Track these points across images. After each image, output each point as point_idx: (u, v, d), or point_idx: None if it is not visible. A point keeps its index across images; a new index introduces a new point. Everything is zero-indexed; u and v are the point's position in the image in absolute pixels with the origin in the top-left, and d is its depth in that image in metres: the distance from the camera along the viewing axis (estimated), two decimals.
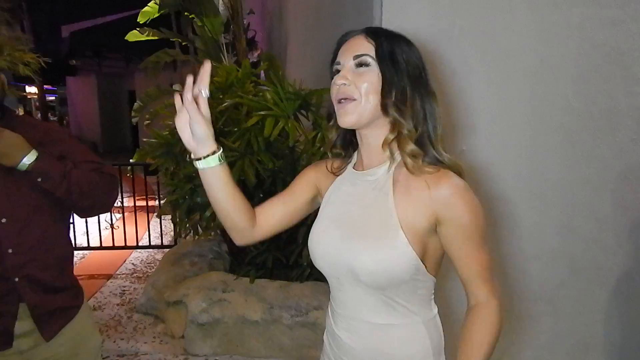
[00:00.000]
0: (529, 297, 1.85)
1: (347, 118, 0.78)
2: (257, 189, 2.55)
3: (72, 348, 1.24)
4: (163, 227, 4.39)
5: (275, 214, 0.91)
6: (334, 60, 0.83)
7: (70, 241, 1.32)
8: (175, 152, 2.82)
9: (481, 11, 1.70)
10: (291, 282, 2.22)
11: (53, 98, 21.36)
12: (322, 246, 0.84)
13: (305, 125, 2.46)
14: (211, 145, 0.77)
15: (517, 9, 1.69)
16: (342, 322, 0.85)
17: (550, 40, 1.70)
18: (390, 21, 1.66)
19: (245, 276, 2.35)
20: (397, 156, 0.80)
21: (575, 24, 1.69)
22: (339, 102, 0.78)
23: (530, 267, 1.83)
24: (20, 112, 16.95)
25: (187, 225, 2.66)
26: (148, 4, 5.50)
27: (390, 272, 0.75)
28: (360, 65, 0.78)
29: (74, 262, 1.30)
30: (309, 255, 2.31)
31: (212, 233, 3.02)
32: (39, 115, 15.05)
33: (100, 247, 4.22)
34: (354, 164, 0.88)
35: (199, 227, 2.64)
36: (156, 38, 5.66)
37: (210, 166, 0.78)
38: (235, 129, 2.45)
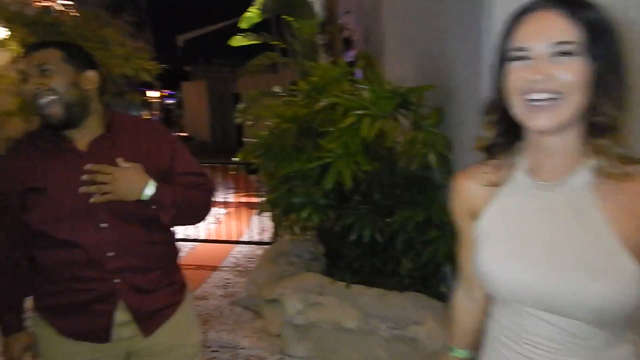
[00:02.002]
0: None
1: (544, 122, 0.62)
2: (353, 192, 2.50)
3: (171, 341, 1.29)
4: (263, 224, 4.56)
5: None
6: (507, 40, 0.66)
7: (174, 244, 1.36)
8: (274, 152, 2.88)
9: None
10: (389, 290, 2.13)
11: (172, 101, 23.64)
12: (509, 272, 0.69)
13: (404, 125, 2.35)
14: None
15: None
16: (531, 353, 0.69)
17: None
18: (506, 7, 1.48)
19: (342, 280, 2.31)
20: (592, 161, 0.64)
21: None
22: (531, 100, 0.63)
23: None
24: (146, 115, 19.07)
25: (285, 224, 2.70)
26: (248, 9, 5.77)
27: (615, 307, 0.61)
28: (560, 54, 0.61)
29: (185, 252, 1.36)
30: (407, 264, 2.16)
31: (309, 233, 3.05)
32: (153, 116, 16.79)
33: (207, 240, 4.52)
34: (525, 170, 0.71)
35: (296, 227, 2.67)
36: (257, 42, 5.91)
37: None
38: (332, 129, 2.42)
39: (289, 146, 2.76)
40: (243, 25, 5.93)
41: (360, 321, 2.06)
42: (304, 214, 2.49)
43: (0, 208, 1.21)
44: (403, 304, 2.01)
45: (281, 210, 2.73)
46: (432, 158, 2.04)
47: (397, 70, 3.38)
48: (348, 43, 5.91)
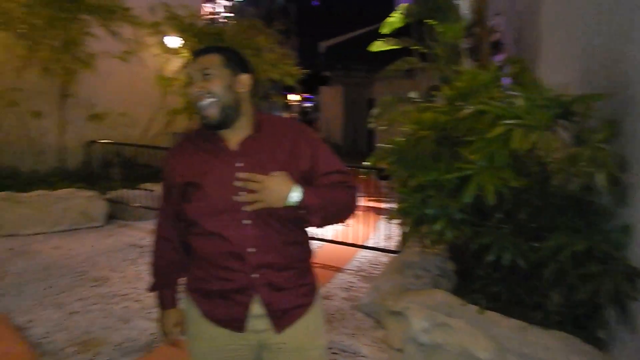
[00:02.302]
0: None
1: None
2: (495, 209, 2.28)
3: (301, 341, 1.31)
4: (390, 231, 4.48)
5: None
6: None
7: (309, 245, 1.38)
8: (408, 159, 2.79)
9: None
10: (531, 325, 1.87)
11: (310, 105, 25.00)
12: None
13: (563, 139, 2.05)
14: None
15: None
16: None
17: None
18: None
19: (474, 303, 2.12)
20: None
21: None
22: None
23: None
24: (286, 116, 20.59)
25: (415, 235, 2.59)
26: (391, 15, 5.74)
27: None
28: None
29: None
30: (557, 299, 1.87)
31: (439, 247, 2.88)
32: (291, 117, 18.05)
33: (333, 241, 4.61)
34: None
35: (427, 240, 2.54)
36: (398, 47, 5.85)
37: None
38: (476, 139, 2.24)
39: (425, 154, 2.64)
40: (384, 30, 5.93)
41: (494, 353, 1.85)
42: (437, 227, 2.35)
43: (166, 197, 1.36)
44: (548, 344, 1.74)
45: (412, 220, 2.63)
46: (600, 179, 1.73)
47: (556, 75, 3.00)
48: (496, 47, 5.49)
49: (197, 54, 1.28)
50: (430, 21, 5.38)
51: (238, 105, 1.26)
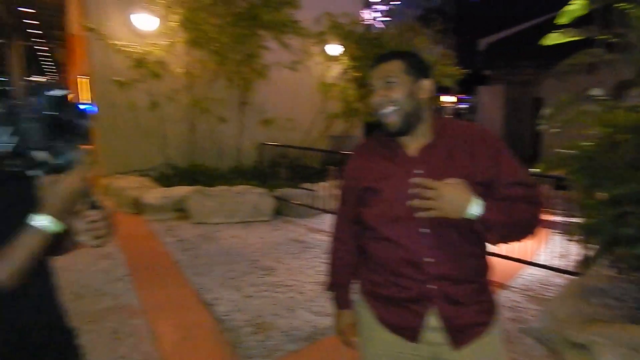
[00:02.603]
0: None
1: None
2: None
3: None
4: (566, 248, 3.95)
5: None
6: None
7: (488, 260, 1.29)
8: (596, 167, 2.42)
9: None
10: None
11: (465, 106, 23.73)
12: None
13: None
14: None
15: None
16: None
17: None
18: None
19: None
20: None
21: None
22: None
23: None
24: None
25: (606, 257, 2.24)
26: (570, 2, 5.05)
27: None
28: None
29: None
30: None
31: (636, 275, 2.43)
32: None
33: (497, 254, 4.24)
34: None
35: (623, 264, 2.16)
36: (580, 38, 5.13)
37: None
38: None
39: (622, 161, 2.27)
40: (562, 20, 5.26)
41: None
42: (638, 251, 1.99)
43: (344, 200, 1.42)
44: None
45: (602, 239, 2.27)
46: None
47: None
48: None
49: (378, 60, 1.28)
50: (622, 5, 4.59)
51: (419, 111, 1.25)
